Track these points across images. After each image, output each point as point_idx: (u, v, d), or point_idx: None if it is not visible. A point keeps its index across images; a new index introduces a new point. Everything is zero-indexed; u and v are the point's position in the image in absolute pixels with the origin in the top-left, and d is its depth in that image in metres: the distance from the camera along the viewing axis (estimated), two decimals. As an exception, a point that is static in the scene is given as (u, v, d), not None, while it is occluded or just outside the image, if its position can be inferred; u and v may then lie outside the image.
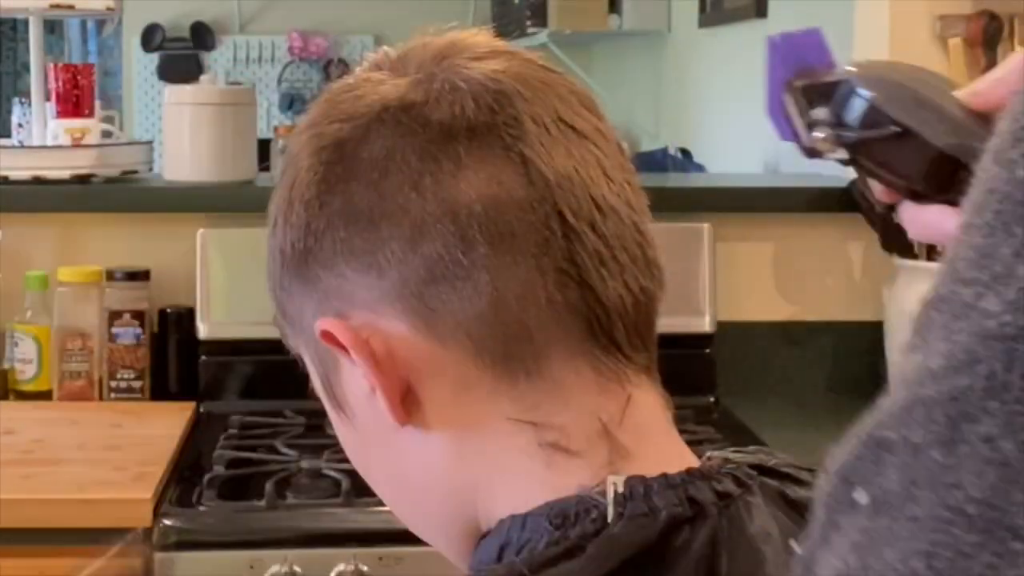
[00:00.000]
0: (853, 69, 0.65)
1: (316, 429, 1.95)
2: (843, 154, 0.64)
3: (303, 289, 0.70)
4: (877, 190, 0.65)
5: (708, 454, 0.70)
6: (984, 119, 0.61)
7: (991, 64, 2.27)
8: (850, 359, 2.29)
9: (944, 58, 2.28)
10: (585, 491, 0.65)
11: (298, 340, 0.73)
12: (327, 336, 0.68)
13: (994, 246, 0.39)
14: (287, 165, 0.71)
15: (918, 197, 0.64)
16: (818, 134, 0.63)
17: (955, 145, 0.61)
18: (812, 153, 0.65)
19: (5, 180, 2.20)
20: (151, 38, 5.55)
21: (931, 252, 2.11)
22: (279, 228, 0.70)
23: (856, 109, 0.63)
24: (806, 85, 0.65)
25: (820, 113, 0.64)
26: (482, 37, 0.72)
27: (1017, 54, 0.63)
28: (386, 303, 0.67)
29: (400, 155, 0.66)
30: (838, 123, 0.64)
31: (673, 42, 4.06)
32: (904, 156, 0.63)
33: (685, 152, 3.58)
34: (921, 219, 0.64)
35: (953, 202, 0.62)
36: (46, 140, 2.28)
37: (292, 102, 5.53)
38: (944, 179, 0.62)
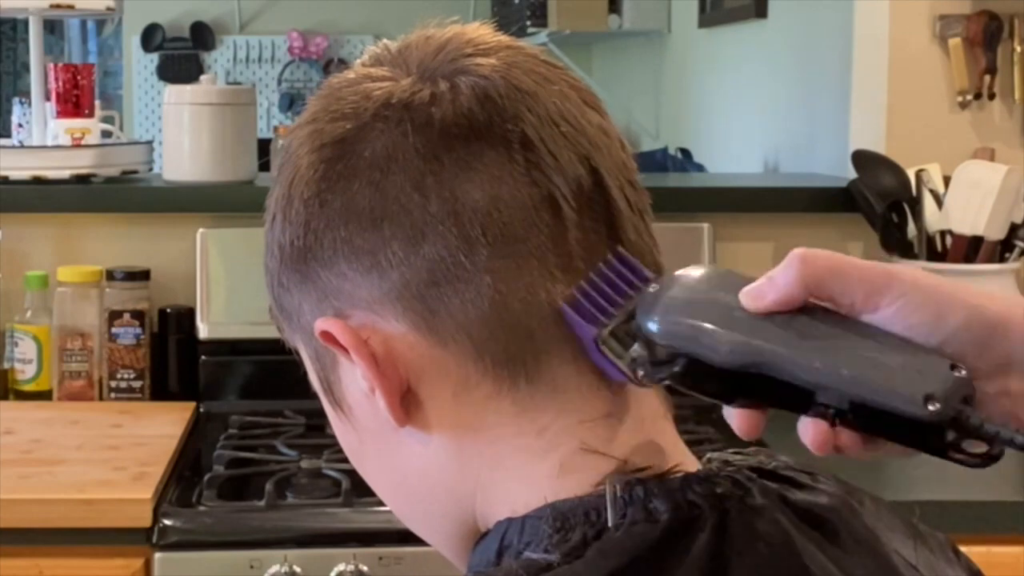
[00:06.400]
0: (642, 300, 0.65)
1: (316, 429, 1.95)
2: (668, 382, 0.65)
3: (302, 287, 0.69)
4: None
5: (708, 456, 0.70)
6: (768, 316, 0.62)
7: (991, 64, 2.27)
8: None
9: (944, 58, 2.28)
10: (585, 493, 0.65)
11: (295, 336, 0.72)
12: (326, 336, 0.67)
13: None
14: (286, 160, 0.70)
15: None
16: (640, 372, 0.64)
17: (734, 358, 0.62)
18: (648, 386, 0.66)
19: (5, 180, 2.20)
20: (151, 38, 5.55)
21: (931, 251, 2.11)
22: (277, 223, 0.70)
23: (650, 348, 0.64)
24: (613, 330, 0.65)
25: (636, 351, 0.65)
26: (484, 31, 0.71)
27: (798, 250, 0.63)
28: (387, 304, 0.66)
29: (402, 154, 0.66)
30: (651, 358, 0.64)
31: (673, 42, 4.05)
32: (701, 378, 0.63)
33: (685, 152, 3.58)
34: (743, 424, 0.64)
35: (757, 404, 0.63)
36: (46, 140, 2.28)
37: (292, 102, 5.53)
38: (738, 387, 0.63)
